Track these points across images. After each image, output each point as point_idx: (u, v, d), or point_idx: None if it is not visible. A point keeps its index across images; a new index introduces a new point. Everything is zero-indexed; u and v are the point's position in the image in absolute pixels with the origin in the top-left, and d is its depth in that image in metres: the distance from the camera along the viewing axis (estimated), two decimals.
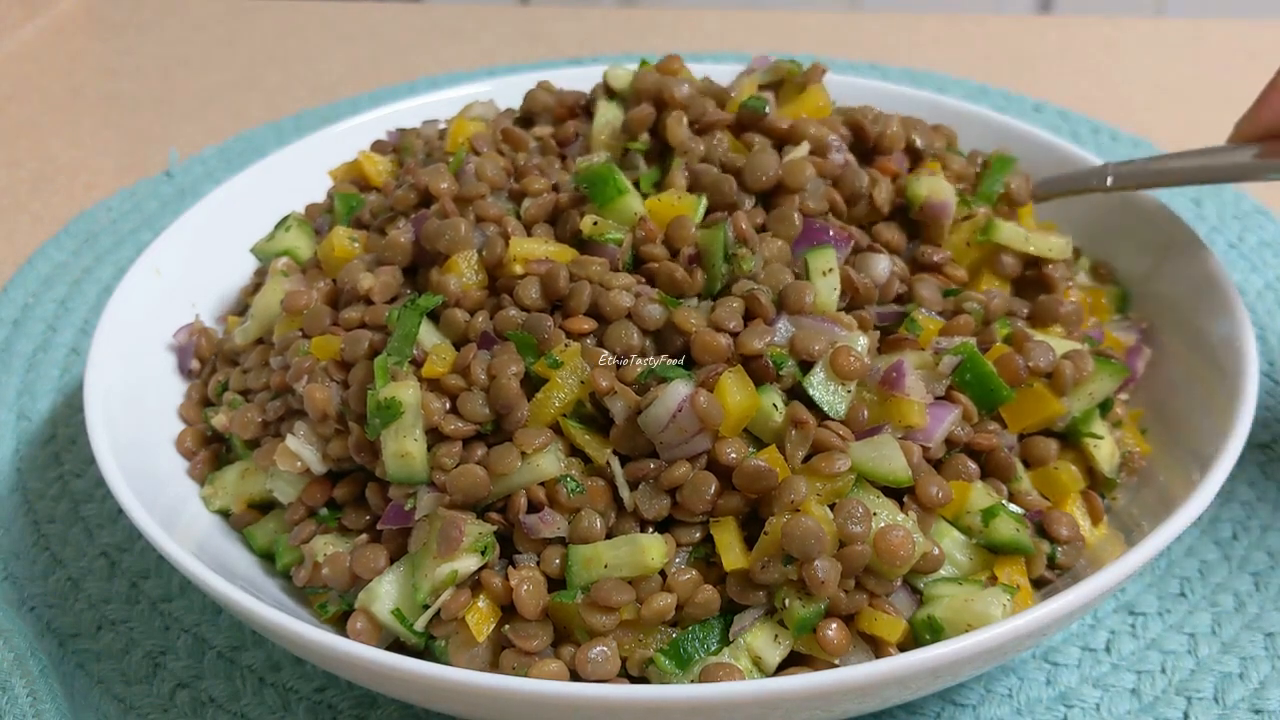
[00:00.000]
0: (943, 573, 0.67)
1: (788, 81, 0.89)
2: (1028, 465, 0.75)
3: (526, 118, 0.93)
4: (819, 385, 0.68)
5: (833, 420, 0.67)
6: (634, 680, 0.64)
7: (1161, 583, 0.80)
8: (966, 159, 0.89)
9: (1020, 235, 0.82)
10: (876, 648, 0.64)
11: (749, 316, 0.72)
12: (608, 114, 0.86)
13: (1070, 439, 0.76)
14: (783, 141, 0.82)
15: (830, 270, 0.73)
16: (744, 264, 0.72)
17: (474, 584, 0.65)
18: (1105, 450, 0.76)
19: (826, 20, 1.72)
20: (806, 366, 0.69)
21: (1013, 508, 0.71)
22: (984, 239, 0.82)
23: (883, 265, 0.76)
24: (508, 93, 1.05)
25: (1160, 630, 0.76)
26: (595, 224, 0.75)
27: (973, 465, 0.71)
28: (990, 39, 1.64)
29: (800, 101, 0.87)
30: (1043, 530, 0.71)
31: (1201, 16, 1.67)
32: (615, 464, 0.67)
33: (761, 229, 0.77)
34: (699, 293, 0.74)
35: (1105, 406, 0.78)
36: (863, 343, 0.71)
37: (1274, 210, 1.19)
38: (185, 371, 0.88)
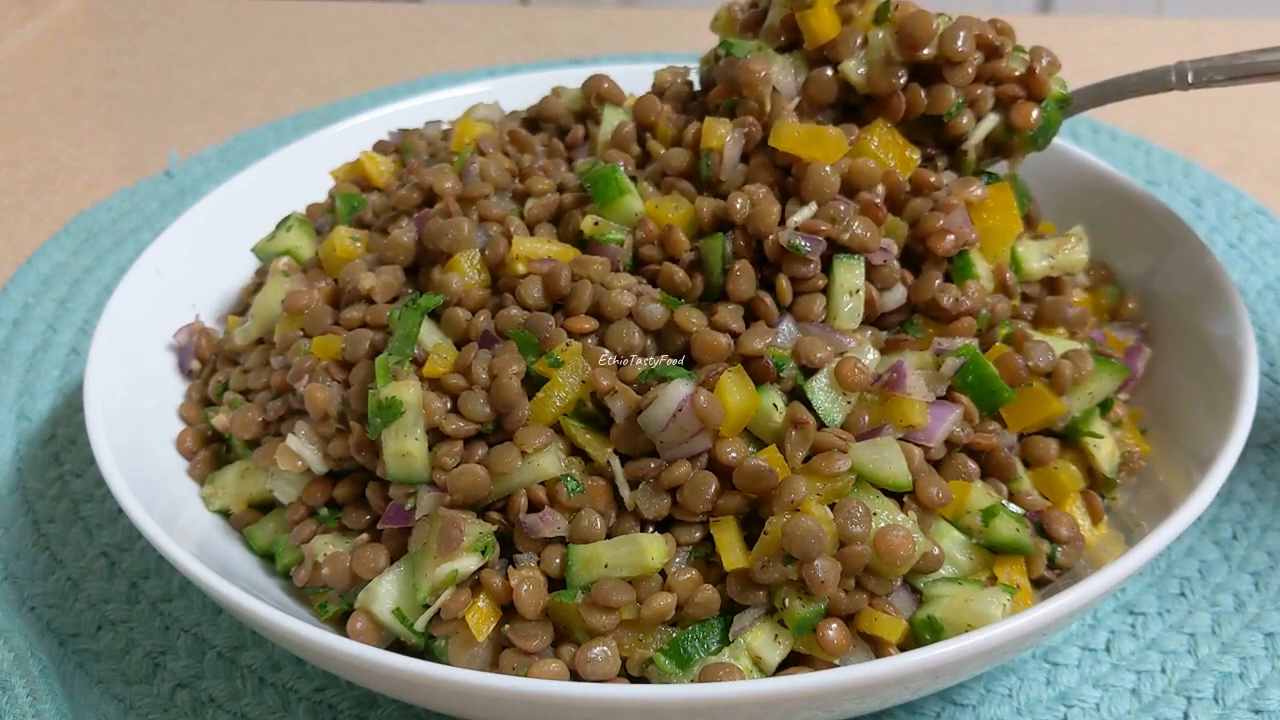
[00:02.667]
0: (943, 573, 0.67)
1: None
2: (1027, 465, 0.75)
3: (533, 120, 0.93)
4: (820, 392, 0.68)
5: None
6: (634, 680, 0.64)
7: (1161, 583, 0.80)
8: (1031, 54, 0.82)
9: (1046, 266, 0.82)
10: (876, 647, 0.64)
11: (753, 318, 0.72)
12: (614, 121, 0.86)
13: (1070, 439, 0.76)
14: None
15: (856, 291, 0.72)
16: (742, 283, 0.72)
17: (474, 584, 0.65)
18: (1105, 450, 0.76)
19: None
20: (808, 371, 0.69)
21: (1013, 507, 0.71)
22: (1015, 274, 0.81)
23: (898, 294, 0.75)
24: (508, 93, 1.05)
25: (1160, 630, 0.76)
26: (597, 224, 0.75)
27: (973, 465, 0.71)
28: None
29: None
30: (1043, 530, 0.71)
31: (1201, 16, 1.67)
32: (615, 463, 0.67)
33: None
34: (699, 296, 0.74)
35: (1105, 406, 0.78)
36: (872, 356, 0.71)
37: (1274, 210, 1.19)
38: (185, 371, 0.88)
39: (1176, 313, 0.85)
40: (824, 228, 0.72)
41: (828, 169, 0.73)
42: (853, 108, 0.80)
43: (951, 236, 0.75)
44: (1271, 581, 0.79)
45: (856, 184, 0.75)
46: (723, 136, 0.76)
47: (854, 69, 0.79)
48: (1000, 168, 0.85)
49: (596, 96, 0.89)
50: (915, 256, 0.77)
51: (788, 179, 0.76)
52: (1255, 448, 0.89)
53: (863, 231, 0.72)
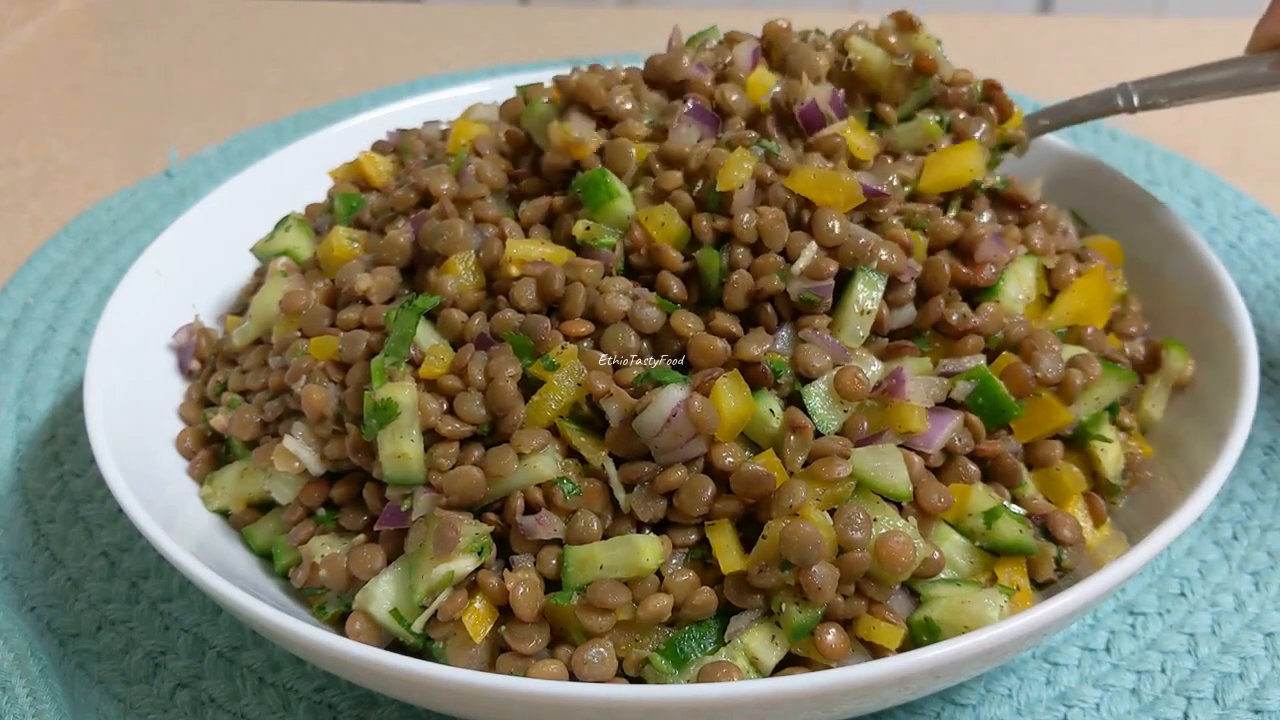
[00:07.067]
0: (941, 575, 0.67)
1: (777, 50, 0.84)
2: (1030, 467, 0.74)
3: None
4: (817, 398, 0.67)
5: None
6: (631, 680, 0.64)
7: (1161, 583, 0.80)
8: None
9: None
10: (874, 651, 0.64)
11: (751, 323, 0.71)
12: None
13: (1078, 442, 0.76)
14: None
15: (868, 312, 0.71)
16: (738, 295, 0.71)
17: (471, 585, 0.65)
18: (1111, 455, 0.75)
19: (826, 20, 1.72)
20: (806, 378, 0.68)
21: (1014, 508, 0.71)
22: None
23: (907, 313, 0.74)
24: (508, 93, 1.04)
25: (1160, 630, 0.76)
26: (588, 229, 0.74)
27: (973, 468, 0.70)
28: (990, 39, 1.64)
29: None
30: (1048, 533, 0.70)
31: (1201, 16, 1.67)
32: (610, 467, 0.66)
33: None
34: (698, 300, 0.73)
35: (1113, 410, 0.78)
36: (875, 368, 0.70)
37: (1274, 210, 1.19)
38: (185, 371, 0.88)
39: (1176, 313, 0.85)
40: (831, 269, 0.70)
41: (837, 220, 0.71)
42: None
43: (991, 266, 0.75)
44: (1271, 581, 0.79)
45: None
46: (740, 180, 0.73)
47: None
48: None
49: (571, 100, 0.82)
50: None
51: (800, 208, 0.74)
52: (1255, 447, 0.89)
53: (889, 256, 0.71)
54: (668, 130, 0.78)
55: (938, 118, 0.84)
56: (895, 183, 0.77)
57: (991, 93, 0.87)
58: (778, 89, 0.81)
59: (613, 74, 0.84)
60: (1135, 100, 0.87)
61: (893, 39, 0.84)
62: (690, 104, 0.78)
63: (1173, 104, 0.87)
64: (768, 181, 0.74)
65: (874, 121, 0.85)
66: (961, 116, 0.85)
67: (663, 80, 0.82)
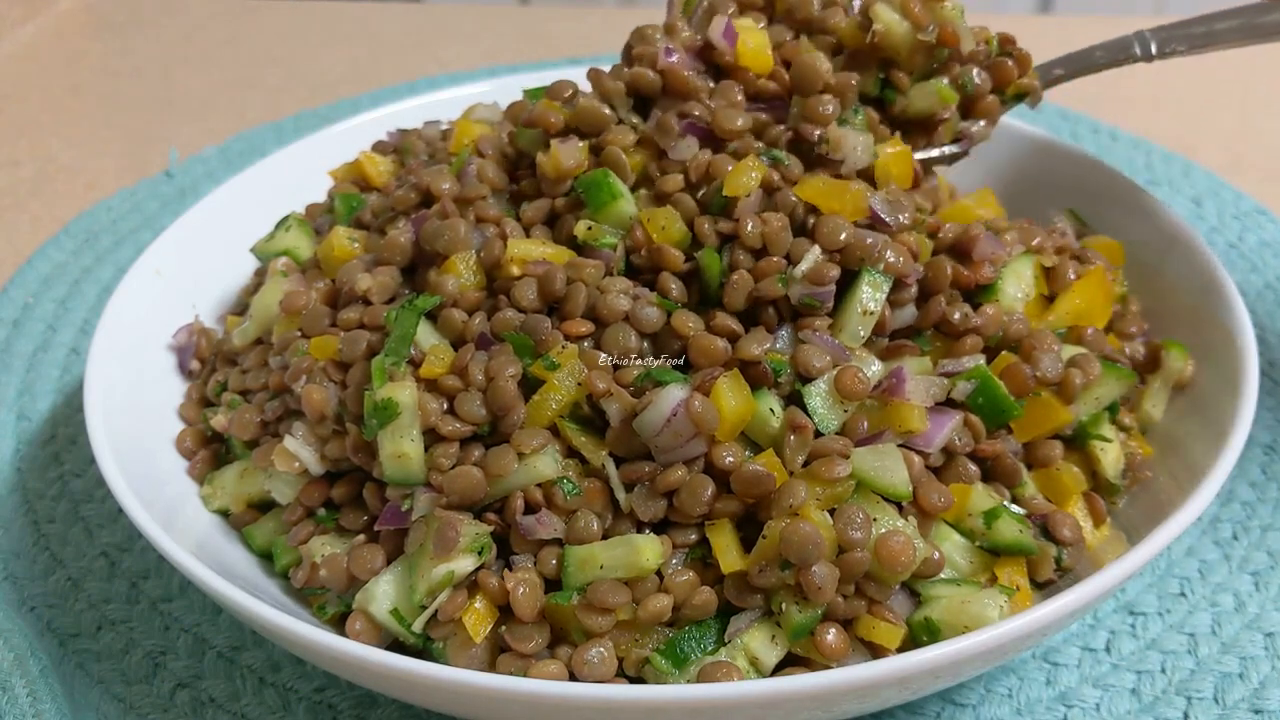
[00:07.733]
0: (941, 575, 0.67)
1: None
2: (1030, 467, 0.74)
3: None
4: (818, 398, 0.67)
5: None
6: (631, 680, 0.64)
7: (1161, 583, 0.80)
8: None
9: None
10: (874, 651, 0.64)
11: (752, 322, 0.71)
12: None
13: (1078, 442, 0.76)
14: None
15: (871, 313, 0.71)
16: (738, 295, 0.71)
17: (471, 585, 0.65)
18: (1111, 455, 0.75)
19: None
20: (806, 378, 0.68)
21: (1014, 508, 0.71)
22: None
23: (908, 313, 0.74)
24: (508, 93, 1.05)
25: (1160, 630, 0.76)
26: (589, 229, 0.74)
27: (973, 468, 0.70)
28: None
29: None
30: (1048, 533, 0.70)
31: None
32: (611, 466, 0.66)
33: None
34: (698, 301, 0.73)
35: (1113, 410, 0.78)
36: (875, 368, 0.70)
37: (1274, 210, 1.19)
38: (185, 371, 0.88)
39: (1176, 313, 0.85)
40: (832, 275, 0.70)
41: (842, 226, 0.71)
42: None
43: (990, 265, 0.75)
44: (1271, 581, 0.79)
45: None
46: (748, 187, 0.72)
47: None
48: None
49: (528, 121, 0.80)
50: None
51: (806, 214, 0.74)
52: (1255, 447, 0.89)
53: (896, 259, 0.71)
54: (655, 138, 0.77)
55: (951, 80, 0.83)
56: (906, 219, 0.74)
57: (1008, 47, 0.86)
58: (796, 111, 0.79)
59: (574, 86, 0.82)
60: (1153, 48, 0.85)
61: (917, 8, 0.81)
62: (684, 122, 0.77)
63: (1190, 51, 0.84)
64: (774, 187, 0.74)
65: (886, 86, 0.84)
66: (977, 77, 0.83)
67: (637, 84, 0.80)
